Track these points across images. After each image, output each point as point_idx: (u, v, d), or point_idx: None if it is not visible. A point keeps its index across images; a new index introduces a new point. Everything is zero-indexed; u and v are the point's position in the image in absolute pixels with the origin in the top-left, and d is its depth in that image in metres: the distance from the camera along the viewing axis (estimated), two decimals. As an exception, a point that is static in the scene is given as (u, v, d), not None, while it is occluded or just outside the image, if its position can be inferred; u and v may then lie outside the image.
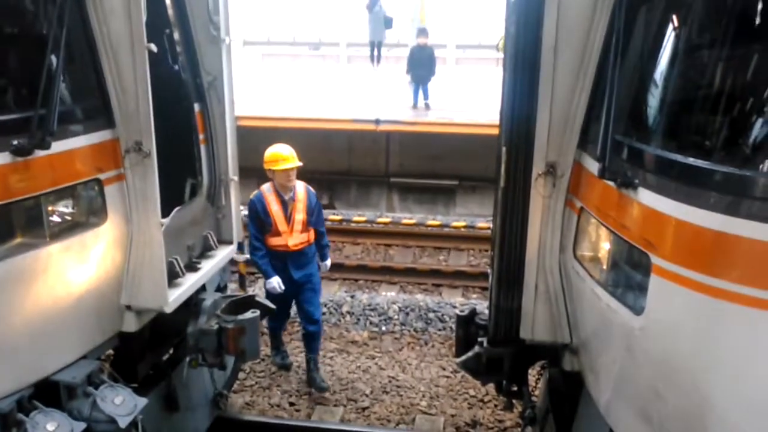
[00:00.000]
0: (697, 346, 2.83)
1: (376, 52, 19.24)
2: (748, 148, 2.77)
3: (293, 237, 6.53)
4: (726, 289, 2.65)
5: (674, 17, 3.32)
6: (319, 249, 6.89)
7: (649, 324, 3.06)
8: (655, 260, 2.95)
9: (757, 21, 2.87)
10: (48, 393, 3.80)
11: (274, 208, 6.46)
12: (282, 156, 6.44)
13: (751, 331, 2.64)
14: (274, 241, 6.53)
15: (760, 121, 2.75)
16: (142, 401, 4.03)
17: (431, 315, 8.32)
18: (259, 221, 6.50)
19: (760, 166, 2.73)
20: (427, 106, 14.59)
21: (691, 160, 2.85)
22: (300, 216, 6.51)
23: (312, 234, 6.70)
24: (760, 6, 2.85)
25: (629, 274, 3.31)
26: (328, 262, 7.14)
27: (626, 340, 3.25)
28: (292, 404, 6.68)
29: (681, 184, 2.86)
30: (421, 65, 14.47)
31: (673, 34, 3.33)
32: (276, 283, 6.54)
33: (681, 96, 3.23)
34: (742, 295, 2.61)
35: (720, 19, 3.01)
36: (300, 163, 6.50)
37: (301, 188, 6.61)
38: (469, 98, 15.50)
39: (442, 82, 15.97)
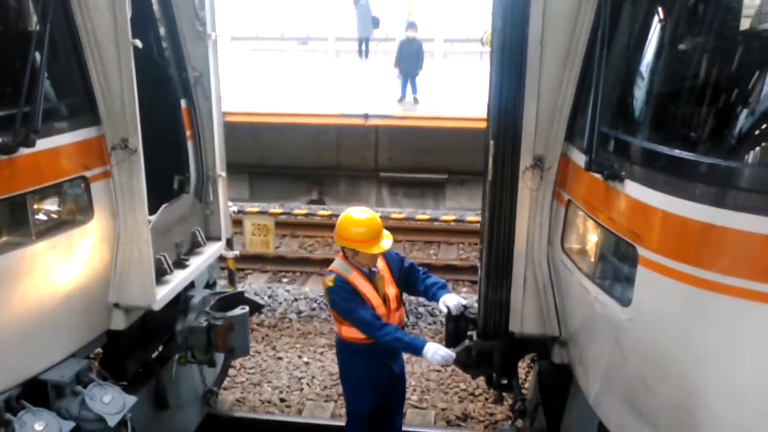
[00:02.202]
0: (684, 337, 2.85)
1: (364, 47, 19.23)
2: (733, 140, 2.80)
3: (392, 318, 4.76)
4: (712, 280, 2.67)
5: (658, 10, 3.34)
6: (431, 290, 4.89)
7: (637, 315, 3.07)
8: (642, 252, 2.97)
9: (740, 13, 2.89)
10: (36, 392, 3.79)
11: (366, 289, 4.64)
12: (376, 233, 4.58)
13: (737, 321, 2.66)
14: None
15: (744, 112, 2.78)
16: (131, 399, 4.02)
17: (421, 309, 8.34)
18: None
19: (745, 157, 2.76)
20: (415, 100, 14.61)
21: (676, 152, 2.87)
22: (392, 290, 4.77)
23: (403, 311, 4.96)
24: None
25: (616, 266, 3.33)
26: (453, 296, 4.79)
27: (614, 332, 3.27)
28: (282, 400, 6.67)
29: (667, 176, 2.88)
30: (409, 59, 14.49)
31: (657, 26, 3.34)
32: (444, 350, 4.54)
33: (666, 88, 3.25)
34: (728, 286, 2.63)
35: (703, 11, 3.03)
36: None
37: None
38: (458, 92, 15.52)
39: (430, 75, 15.98)
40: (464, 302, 4.75)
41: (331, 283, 4.62)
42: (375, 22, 18.56)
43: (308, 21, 25.03)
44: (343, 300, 4.61)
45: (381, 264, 4.78)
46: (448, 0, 22.63)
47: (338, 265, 4.71)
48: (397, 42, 15.99)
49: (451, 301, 4.74)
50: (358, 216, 4.63)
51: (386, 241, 4.64)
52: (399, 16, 17.90)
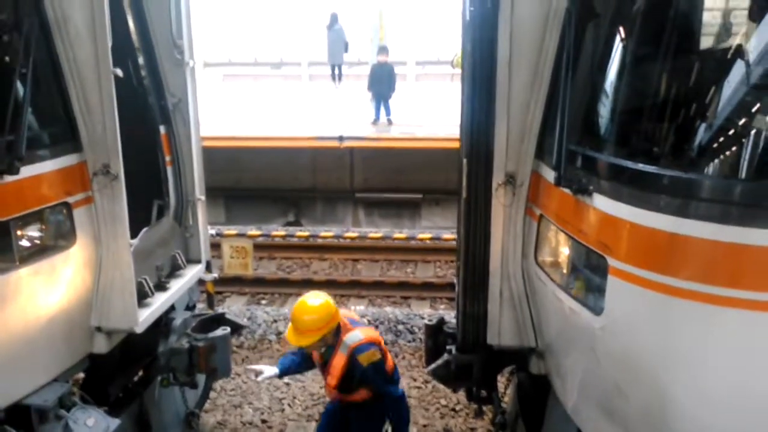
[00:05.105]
0: (653, 343, 2.97)
1: (337, 71, 19.43)
2: (693, 153, 2.94)
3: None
4: (678, 286, 2.81)
5: (619, 32, 3.51)
6: None
7: (609, 323, 3.19)
8: (612, 262, 3.10)
9: (694, 33, 3.07)
10: (19, 417, 3.79)
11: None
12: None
13: (703, 325, 2.79)
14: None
15: (702, 126, 2.93)
16: (115, 422, 4.04)
17: (400, 327, 8.40)
18: None
19: (706, 169, 2.91)
20: (389, 122, 14.77)
21: (641, 166, 3.01)
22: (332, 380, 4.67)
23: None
24: (694, 20, 3.04)
25: (588, 276, 3.45)
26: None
27: (588, 341, 3.37)
28: (264, 422, 6.67)
29: (633, 189, 3.02)
30: (382, 82, 14.69)
31: (619, 47, 3.51)
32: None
33: (629, 105, 3.41)
34: (693, 292, 2.77)
35: (661, 32, 3.19)
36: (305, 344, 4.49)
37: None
38: (430, 113, 15.72)
39: (403, 97, 16.17)
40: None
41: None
42: (345, 46, 18.76)
43: (281, 46, 25.14)
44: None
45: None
46: (419, 24, 22.93)
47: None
48: (369, 66, 16.19)
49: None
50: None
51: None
52: (371, 41, 18.12)
